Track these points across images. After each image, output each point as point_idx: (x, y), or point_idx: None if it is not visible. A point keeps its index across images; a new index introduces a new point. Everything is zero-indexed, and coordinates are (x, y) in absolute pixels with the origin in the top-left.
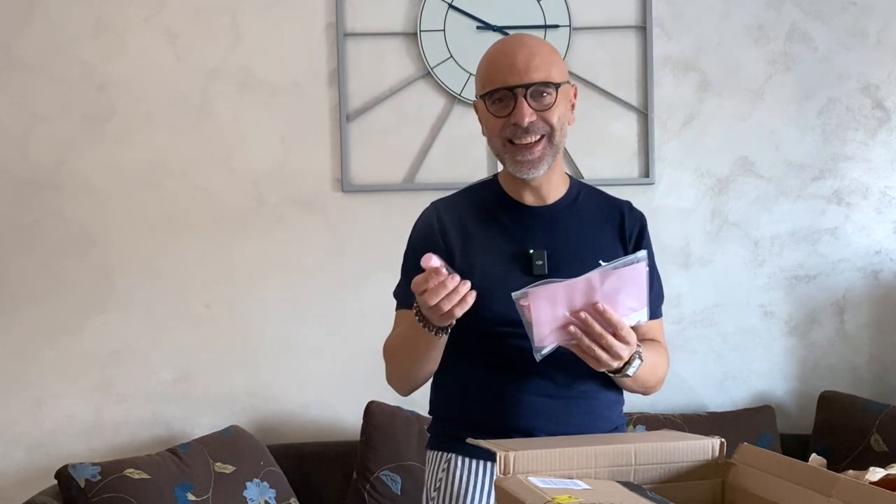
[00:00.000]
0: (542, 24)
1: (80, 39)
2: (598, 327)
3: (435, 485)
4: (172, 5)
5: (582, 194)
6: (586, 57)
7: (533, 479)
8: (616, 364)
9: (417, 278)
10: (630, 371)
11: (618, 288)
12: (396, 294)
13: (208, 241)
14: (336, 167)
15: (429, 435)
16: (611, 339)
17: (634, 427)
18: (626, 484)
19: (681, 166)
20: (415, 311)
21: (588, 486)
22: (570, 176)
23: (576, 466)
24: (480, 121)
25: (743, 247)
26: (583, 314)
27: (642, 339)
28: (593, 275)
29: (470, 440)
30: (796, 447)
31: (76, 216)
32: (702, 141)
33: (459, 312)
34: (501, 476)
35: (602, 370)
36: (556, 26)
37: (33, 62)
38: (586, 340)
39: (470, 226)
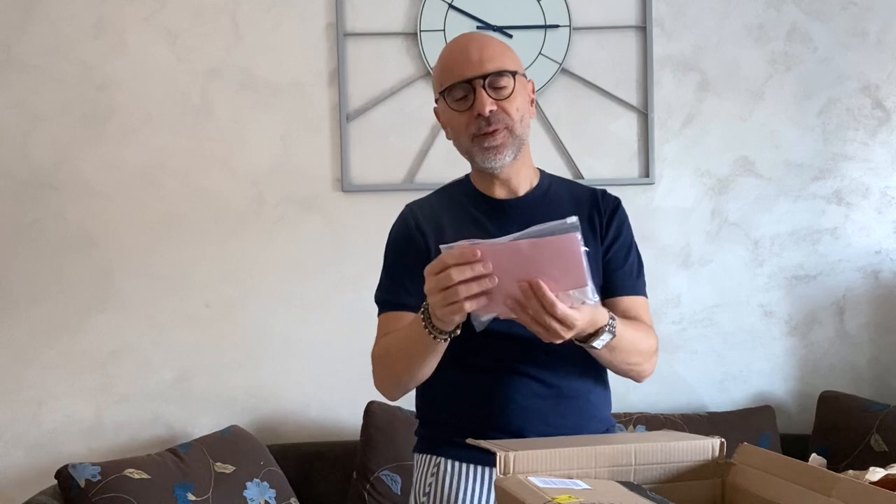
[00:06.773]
0: (542, 24)
1: (80, 39)
2: (535, 303)
3: (424, 489)
4: (172, 5)
5: (553, 186)
6: (586, 57)
7: (533, 479)
8: (558, 341)
9: (439, 260)
10: (597, 343)
11: (550, 260)
12: (379, 298)
13: (208, 241)
14: (336, 167)
15: (416, 438)
16: (548, 318)
17: (634, 427)
18: (626, 484)
19: (681, 166)
20: (421, 312)
21: (588, 486)
22: (540, 170)
23: (576, 466)
24: (444, 125)
25: (743, 247)
26: (523, 284)
27: (623, 316)
28: (522, 242)
29: (470, 440)
30: (796, 447)
31: (76, 216)
32: (702, 141)
33: (470, 307)
34: (501, 476)
35: (551, 341)
36: (556, 26)
37: (33, 62)
38: (526, 317)
39: (444, 222)
